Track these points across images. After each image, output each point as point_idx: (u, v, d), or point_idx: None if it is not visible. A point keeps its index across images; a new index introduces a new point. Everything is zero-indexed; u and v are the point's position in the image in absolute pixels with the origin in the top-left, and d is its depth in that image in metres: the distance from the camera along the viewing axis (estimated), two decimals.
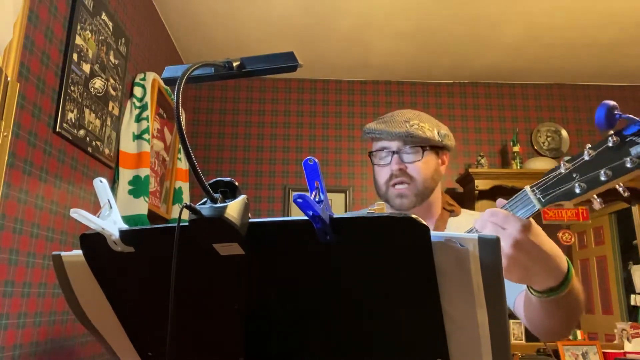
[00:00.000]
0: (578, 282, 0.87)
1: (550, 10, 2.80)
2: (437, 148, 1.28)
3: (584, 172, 0.74)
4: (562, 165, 0.76)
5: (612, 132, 0.71)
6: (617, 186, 0.72)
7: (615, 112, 0.71)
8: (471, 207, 3.24)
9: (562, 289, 0.82)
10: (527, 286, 0.86)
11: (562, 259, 0.81)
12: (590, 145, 0.74)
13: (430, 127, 1.26)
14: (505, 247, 0.75)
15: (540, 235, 0.78)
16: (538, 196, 0.79)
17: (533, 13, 2.83)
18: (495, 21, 2.91)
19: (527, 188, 0.80)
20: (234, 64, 0.65)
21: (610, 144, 0.71)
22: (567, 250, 3.88)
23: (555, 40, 3.12)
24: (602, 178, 0.71)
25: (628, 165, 0.69)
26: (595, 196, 0.74)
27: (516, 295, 1.07)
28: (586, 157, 0.73)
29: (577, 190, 0.74)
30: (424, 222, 0.52)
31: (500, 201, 0.85)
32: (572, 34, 3.04)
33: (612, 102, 0.71)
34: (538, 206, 0.79)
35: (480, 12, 2.82)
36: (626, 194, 0.72)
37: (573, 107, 3.71)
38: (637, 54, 3.28)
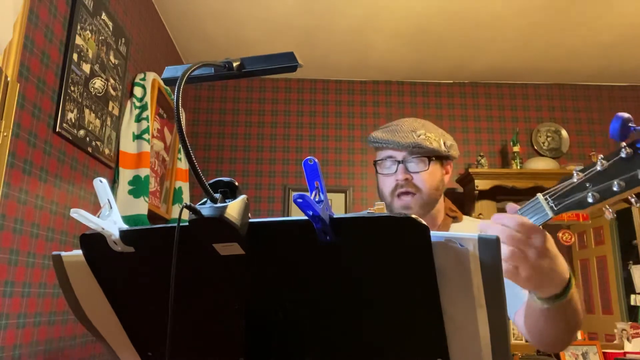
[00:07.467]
0: (577, 290, 0.88)
1: (550, 11, 2.80)
2: (442, 158, 1.29)
3: (596, 182, 0.74)
4: (574, 174, 0.77)
5: (624, 143, 0.72)
6: (629, 197, 0.73)
7: (630, 124, 0.72)
8: (471, 207, 3.24)
9: (564, 295, 0.83)
10: (531, 294, 0.87)
11: (566, 267, 0.83)
12: (602, 156, 0.74)
13: (437, 138, 1.26)
14: (533, 257, 0.76)
15: (554, 243, 0.79)
16: (551, 204, 0.79)
17: (533, 13, 2.83)
18: (495, 21, 2.91)
19: (540, 196, 0.80)
20: (234, 64, 0.65)
21: (623, 155, 0.72)
22: (567, 250, 3.88)
23: (555, 41, 3.12)
24: (615, 188, 0.72)
25: None
26: (607, 206, 0.75)
27: (516, 309, 1.07)
28: (599, 168, 0.74)
29: (590, 200, 0.74)
30: (424, 222, 0.52)
31: (512, 206, 0.83)
32: (572, 34, 3.04)
33: (626, 115, 0.72)
34: (551, 214, 0.79)
35: (480, 12, 2.82)
36: (638, 205, 0.72)
37: (573, 107, 3.71)
38: (637, 54, 3.27)
